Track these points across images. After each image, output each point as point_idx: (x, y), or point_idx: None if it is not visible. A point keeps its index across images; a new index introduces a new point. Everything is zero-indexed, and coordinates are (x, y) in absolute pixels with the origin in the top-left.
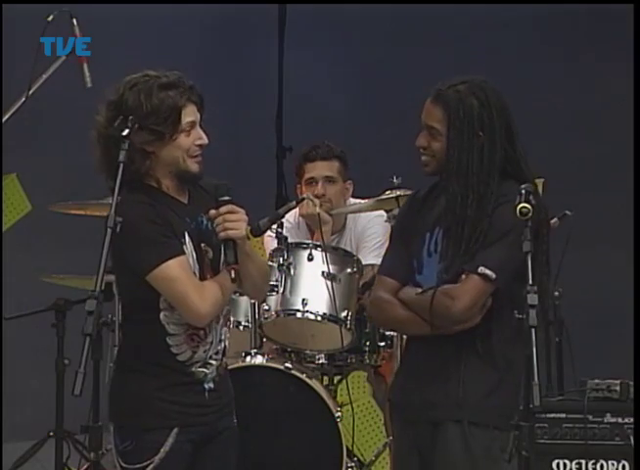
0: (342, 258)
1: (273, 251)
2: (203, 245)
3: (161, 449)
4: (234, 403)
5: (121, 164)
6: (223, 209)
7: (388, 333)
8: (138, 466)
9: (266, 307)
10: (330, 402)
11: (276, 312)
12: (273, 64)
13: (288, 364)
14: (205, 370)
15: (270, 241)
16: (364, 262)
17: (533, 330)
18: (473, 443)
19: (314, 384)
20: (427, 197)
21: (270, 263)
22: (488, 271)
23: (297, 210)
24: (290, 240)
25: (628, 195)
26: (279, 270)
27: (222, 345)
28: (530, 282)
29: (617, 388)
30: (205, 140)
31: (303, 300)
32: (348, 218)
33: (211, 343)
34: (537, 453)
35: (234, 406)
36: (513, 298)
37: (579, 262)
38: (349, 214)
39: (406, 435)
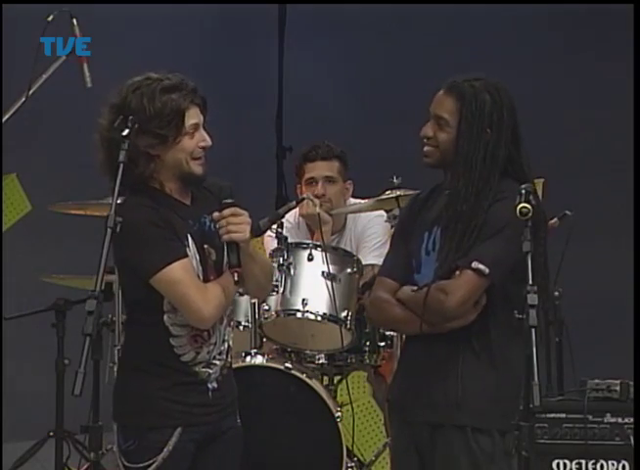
0: (342, 258)
1: (273, 251)
2: (206, 246)
3: (165, 449)
4: (237, 403)
5: (121, 165)
6: (227, 211)
7: (388, 333)
8: (141, 465)
9: (266, 307)
10: (330, 402)
11: (276, 312)
12: (273, 64)
13: (288, 364)
14: (208, 370)
15: (270, 241)
16: (364, 262)
17: (533, 330)
18: (477, 449)
19: (314, 384)
20: (427, 198)
21: None
22: (482, 266)
23: (296, 210)
24: (290, 240)
25: (628, 195)
26: (279, 270)
27: (226, 345)
28: (530, 282)
29: (617, 388)
30: (208, 142)
31: (303, 300)
32: (348, 218)
33: (215, 343)
34: (537, 453)
35: (237, 406)
36: (508, 295)
37: (579, 262)
38: (349, 214)
39: (404, 435)
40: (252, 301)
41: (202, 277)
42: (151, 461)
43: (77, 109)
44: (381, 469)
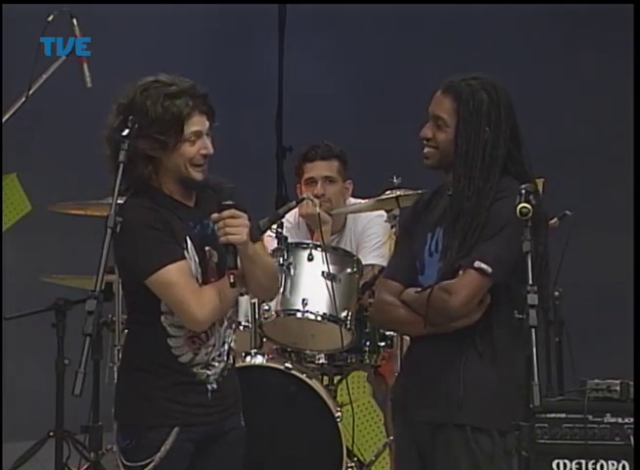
0: (342, 258)
1: (273, 251)
2: (208, 248)
3: (162, 448)
4: (241, 404)
5: (121, 165)
6: (225, 213)
7: (388, 333)
8: (139, 464)
9: (266, 307)
10: (330, 402)
11: (276, 312)
12: (273, 64)
13: (288, 364)
14: (207, 371)
15: (270, 241)
16: (364, 262)
17: (533, 330)
18: (476, 449)
19: (314, 384)
20: (430, 199)
21: None
22: (484, 265)
23: (296, 210)
24: (290, 240)
25: (628, 195)
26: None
27: (226, 347)
28: (530, 282)
29: (617, 388)
30: (209, 150)
31: (303, 300)
32: (348, 218)
33: (214, 345)
34: (537, 453)
35: (241, 407)
36: (511, 294)
37: (579, 262)
38: (349, 214)
39: (407, 434)
40: (252, 301)
41: (201, 280)
42: (148, 460)
43: (77, 109)
44: (381, 469)
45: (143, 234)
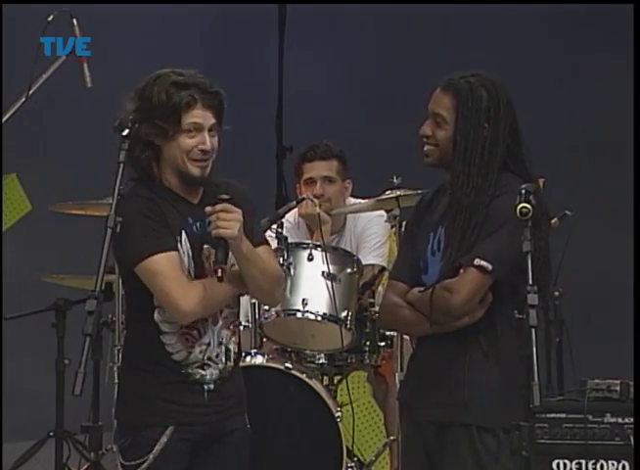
0: (342, 258)
1: (273, 251)
2: (207, 246)
3: (156, 447)
4: (245, 405)
5: (121, 165)
6: (218, 207)
7: (388, 333)
8: (134, 463)
9: (266, 307)
10: (330, 402)
11: (276, 312)
12: (273, 64)
13: (288, 364)
14: (201, 371)
15: (270, 241)
16: (364, 262)
17: (533, 330)
18: (482, 449)
19: (314, 384)
20: (432, 199)
21: None
22: (484, 263)
23: (296, 209)
24: (290, 240)
25: (629, 195)
26: None
27: (224, 348)
28: (530, 282)
29: (617, 388)
30: (207, 146)
31: (303, 300)
32: (348, 218)
33: (208, 344)
34: (537, 453)
35: (245, 408)
36: (513, 291)
37: (579, 262)
38: (349, 214)
39: (413, 434)
40: (252, 301)
41: (194, 275)
42: (143, 459)
43: (77, 109)
44: (381, 469)
45: (135, 222)
